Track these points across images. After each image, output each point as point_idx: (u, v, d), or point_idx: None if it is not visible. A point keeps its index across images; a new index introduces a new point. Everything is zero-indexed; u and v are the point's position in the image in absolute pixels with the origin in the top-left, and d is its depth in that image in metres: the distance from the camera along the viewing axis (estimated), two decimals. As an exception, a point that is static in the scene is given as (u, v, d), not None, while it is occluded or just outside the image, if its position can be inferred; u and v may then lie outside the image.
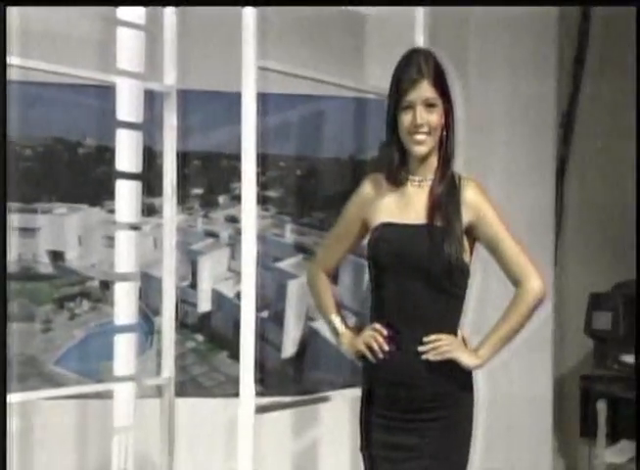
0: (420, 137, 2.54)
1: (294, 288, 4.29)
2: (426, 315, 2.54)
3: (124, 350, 3.61)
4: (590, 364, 4.72)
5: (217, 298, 4.24)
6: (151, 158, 3.77)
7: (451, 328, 2.57)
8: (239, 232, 2.99)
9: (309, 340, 4.32)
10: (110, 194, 3.68)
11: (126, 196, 3.57)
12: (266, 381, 4.10)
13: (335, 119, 4.34)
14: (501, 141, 4.52)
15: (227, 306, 4.21)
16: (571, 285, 4.90)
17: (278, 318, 4.28)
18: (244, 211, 2.91)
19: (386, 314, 2.59)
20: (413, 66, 2.55)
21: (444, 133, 2.59)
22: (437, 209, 2.55)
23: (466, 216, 2.56)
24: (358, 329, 2.67)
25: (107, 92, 3.61)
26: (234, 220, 4.17)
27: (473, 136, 4.46)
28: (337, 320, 2.72)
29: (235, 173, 3.70)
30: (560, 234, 4.91)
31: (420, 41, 3.59)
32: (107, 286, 4.02)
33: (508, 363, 4.46)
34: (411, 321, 2.54)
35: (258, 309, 2.95)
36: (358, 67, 4.21)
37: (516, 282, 2.58)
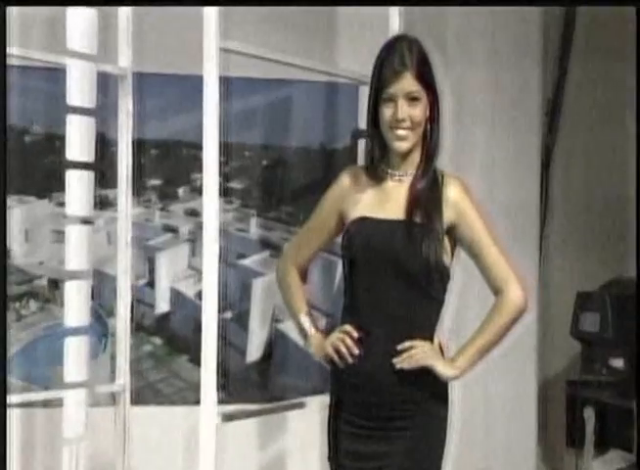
0: (401, 132, 2.56)
1: (259, 287, 4.30)
2: (400, 317, 2.56)
3: (75, 354, 3.59)
4: (577, 369, 4.75)
5: (176, 297, 4.24)
6: (104, 146, 3.77)
7: (427, 333, 2.59)
8: (200, 227, 3.00)
9: (276, 343, 4.34)
10: (59, 185, 3.66)
11: (77, 187, 3.55)
12: (230, 387, 4.10)
13: (304, 105, 4.35)
14: (482, 130, 4.54)
15: (187, 307, 4.21)
16: (557, 284, 4.93)
17: (242, 319, 4.29)
18: (205, 203, 2.93)
19: (357, 314, 2.61)
20: (396, 56, 2.56)
21: (428, 127, 2.61)
22: (417, 205, 2.57)
23: (447, 216, 2.58)
24: (329, 332, 2.69)
25: (56, 75, 3.59)
26: (195, 214, 4.17)
27: (451, 126, 4.49)
28: (306, 321, 2.73)
29: (196, 163, 3.70)
30: (545, 229, 4.94)
31: (395, 23, 3.61)
32: (56, 285, 4.01)
33: (488, 366, 4.48)
34: (384, 323, 2.56)
35: (221, 310, 2.96)
36: (329, 49, 4.22)
37: (496, 291, 2.61)
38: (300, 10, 4.12)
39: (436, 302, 2.60)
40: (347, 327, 2.60)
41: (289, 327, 4.29)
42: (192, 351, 4.10)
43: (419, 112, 2.56)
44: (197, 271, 4.14)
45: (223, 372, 3.02)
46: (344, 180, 2.70)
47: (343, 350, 2.58)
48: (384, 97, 2.56)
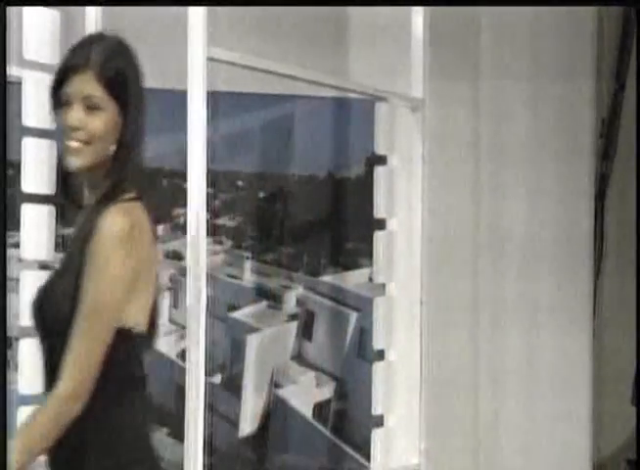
0: (73, 144, 2.46)
1: (254, 344, 4.30)
2: None
3: (31, 427, 3.58)
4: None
5: (154, 358, 4.23)
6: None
7: None
8: (183, 272, 2.99)
9: (275, 412, 4.33)
10: (13, 223, 3.66)
11: (35, 225, 3.55)
12: (219, 466, 4.09)
13: (308, 126, 4.37)
14: (524, 157, 4.55)
15: (167, 370, 4.21)
16: (615, 342, 4.91)
17: (234, 384, 4.29)
18: (190, 244, 2.93)
19: None
20: (81, 49, 2.47)
21: (116, 148, 2.48)
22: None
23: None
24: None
25: (10, 89, 3.59)
26: (177, 257, 4.18)
27: (486, 151, 4.49)
28: None
29: (178, 196, 3.70)
30: (600, 275, 4.93)
31: (418, 28, 3.65)
32: (9, 344, 4.00)
33: (538, 443, 4.48)
34: None
35: (208, 373, 2.95)
36: (339, 59, 4.24)
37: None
38: (304, 13, 4.14)
39: None
40: None
41: (290, 393, 4.30)
42: (173, 423, 4.09)
43: (99, 123, 2.44)
44: (179, 326, 4.14)
45: (211, 449, 3.01)
46: None
47: None
48: (61, 97, 2.46)
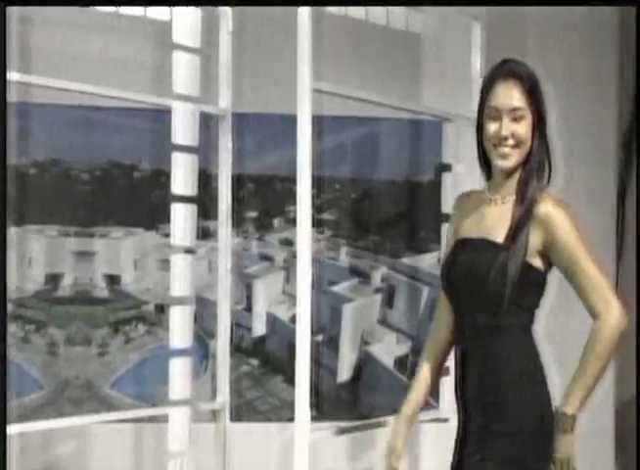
0: (504, 150, 2.39)
1: (348, 312, 4.32)
2: (490, 351, 2.38)
3: (179, 374, 3.66)
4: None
5: (272, 321, 4.27)
6: (206, 181, 3.83)
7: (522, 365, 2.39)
8: (294, 255, 3.02)
9: (365, 364, 4.34)
10: (165, 217, 3.74)
11: (181, 219, 3.63)
12: (322, 406, 4.12)
13: (390, 141, 4.36)
14: (557, 163, 4.48)
15: (282, 330, 4.24)
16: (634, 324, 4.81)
17: (333, 342, 4.30)
18: (299, 233, 2.95)
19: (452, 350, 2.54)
20: (504, 70, 2.42)
21: (532, 147, 2.42)
22: (510, 225, 2.36)
23: (536, 236, 2.34)
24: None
25: (163, 116, 3.68)
26: (289, 243, 4.20)
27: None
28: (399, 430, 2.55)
29: (290, 196, 3.74)
30: (621, 265, 4.82)
31: (477, 59, 3.63)
32: (162, 310, 4.06)
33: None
34: (472, 369, 2.41)
35: (313, 333, 2.98)
36: (414, 87, 4.24)
37: (594, 314, 2.32)
38: (388, 51, 4.15)
39: (522, 328, 2.41)
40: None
41: (377, 350, 4.30)
42: (286, 371, 4.11)
43: (523, 129, 2.41)
44: (291, 297, 4.16)
45: (315, 392, 3.03)
46: (455, 207, 2.59)
47: None
48: (490, 111, 2.41)
